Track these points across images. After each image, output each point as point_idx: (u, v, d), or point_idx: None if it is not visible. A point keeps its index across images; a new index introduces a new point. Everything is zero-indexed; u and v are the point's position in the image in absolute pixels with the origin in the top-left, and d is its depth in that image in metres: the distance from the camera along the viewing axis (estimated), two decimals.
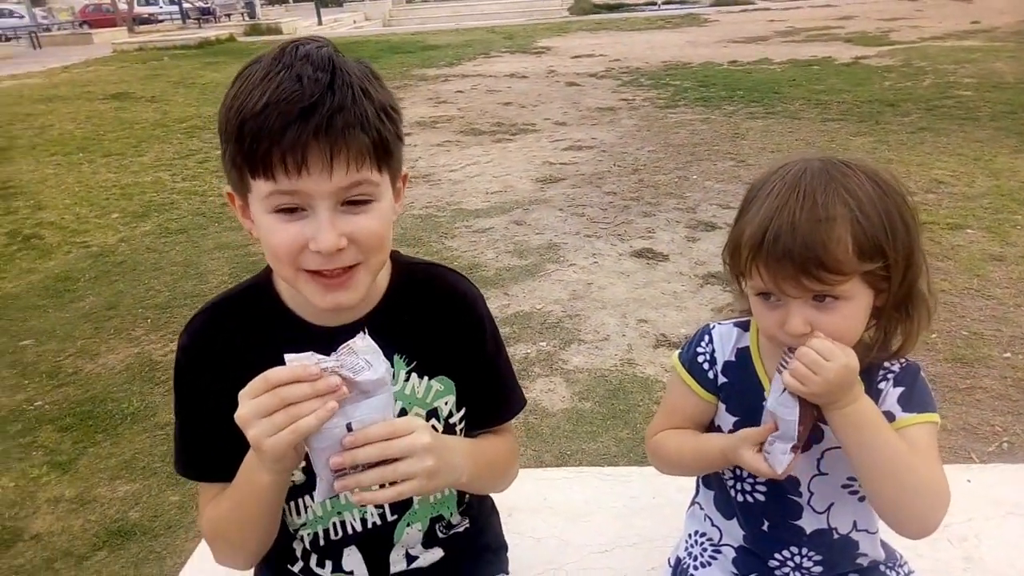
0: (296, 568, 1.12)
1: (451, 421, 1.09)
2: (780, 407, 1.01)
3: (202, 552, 1.56)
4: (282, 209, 0.86)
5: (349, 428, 0.83)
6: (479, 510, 1.26)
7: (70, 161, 6.91)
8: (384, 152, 0.88)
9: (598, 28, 15.99)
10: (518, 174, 6.03)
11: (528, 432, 2.82)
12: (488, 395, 1.11)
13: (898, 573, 1.20)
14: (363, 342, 0.83)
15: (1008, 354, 3.11)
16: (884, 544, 1.21)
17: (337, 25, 19.65)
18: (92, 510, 2.54)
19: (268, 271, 1.03)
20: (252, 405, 0.81)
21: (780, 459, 1.02)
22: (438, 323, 1.05)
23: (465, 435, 1.11)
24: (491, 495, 1.33)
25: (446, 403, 1.08)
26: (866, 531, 1.16)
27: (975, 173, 5.27)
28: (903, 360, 1.10)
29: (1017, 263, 3.91)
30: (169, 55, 13.14)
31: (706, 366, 1.16)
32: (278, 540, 1.09)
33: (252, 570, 1.23)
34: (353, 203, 0.87)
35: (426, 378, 1.05)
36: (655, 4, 18.99)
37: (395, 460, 0.84)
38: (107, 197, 5.91)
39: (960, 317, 3.43)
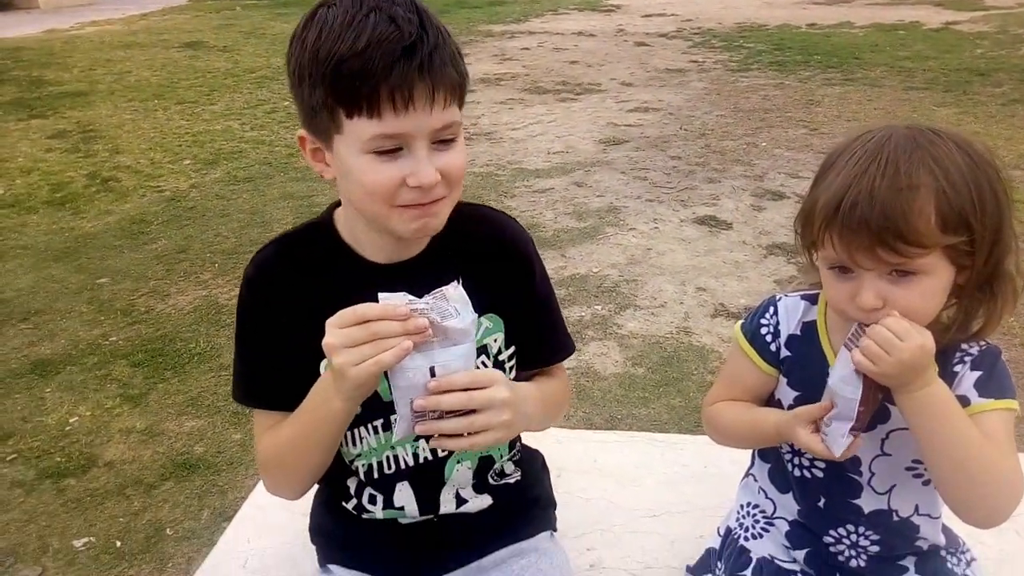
0: (350, 505, 1.16)
1: (500, 359, 1.11)
2: (843, 385, 0.97)
3: (261, 489, 1.62)
4: (381, 151, 0.90)
5: (432, 372, 0.87)
6: (530, 464, 1.28)
7: (146, 107, 7.12)
8: (464, 89, 0.95)
9: None
10: (581, 135, 5.94)
11: (579, 394, 2.83)
12: (537, 335, 1.14)
13: (959, 559, 1.17)
14: (455, 291, 0.87)
15: None
16: (946, 529, 1.17)
17: None
18: (160, 443, 2.68)
19: (328, 212, 1.09)
20: (341, 335, 0.85)
21: (839, 441, 0.98)
22: (488, 261, 1.09)
23: (515, 375, 1.13)
24: (542, 453, 1.35)
25: (495, 340, 1.10)
26: (928, 515, 1.12)
27: None
28: (982, 343, 1.05)
29: None
30: (241, 5, 13.31)
31: (769, 338, 1.14)
32: (333, 476, 1.14)
33: (309, 505, 1.28)
34: (442, 142, 0.93)
35: (475, 314, 1.08)
36: None
37: (474, 411, 0.88)
38: (180, 144, 6.08)
39: None
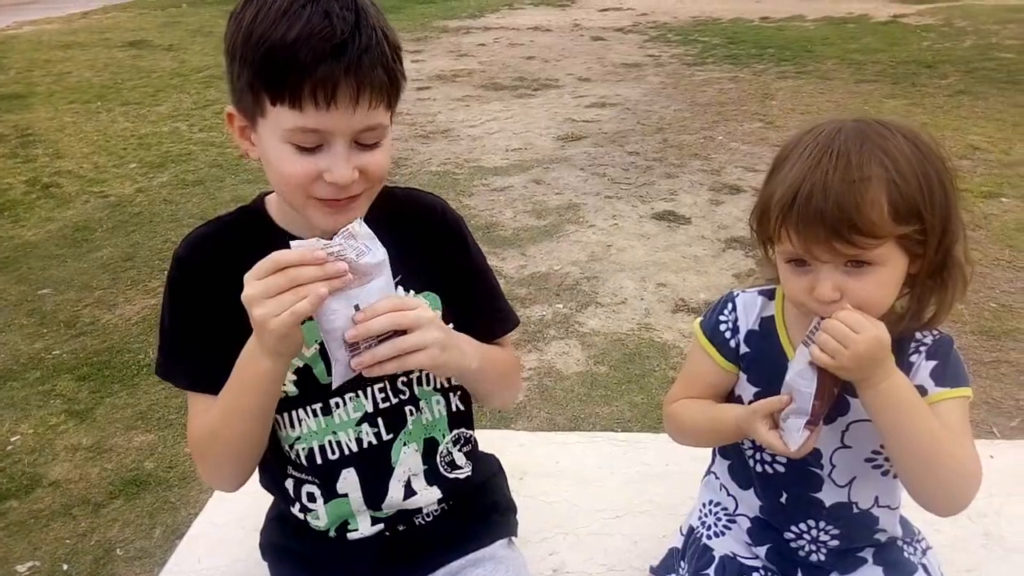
0: (295, 509, 1.13)
1: None
2: (799, 379, 0.97)
3: (215, 504, 1.57)
4: (301, 144, 0.91)
5: (357, 310, 0.88)
6: (485, 465, 1.26)
7: (88, 109, 6.87)
8: (396, 91, 0.94)
9: None
10: (539, 131, 5.92)
11: (542, 395, 2.80)
12: (476, 309, 1.14)
13: (915, 549, 1.18)
14: (361, 227, 0.89)
15: None
16: (903, 520, 1.18)
17: None
18: (109, 459, 2.58)
19: (260, 197, 1.09)
20: (260, 285, 0.85)
21: (794, 436, 0.98)
22: (419, 237, 1.10)
23: None
24: (497, 457, 1.32)
25: None
26: (888, 507, 1.13)
27: (1013, 140, 5.08)
28: (935, 332, 1.06)
29: None
30: (188, 2, 12.99)
31: (728, 335, 1.13)
32: (272, 480, 1.12)
33: (262, 521, 1.24)
34: (364, 143, 0.94)
35: (412, 292, 1.08)
36: None
37: (405, 334, 0.89)
38: (125, 147, 5.89)
39: (989, 288, 3.33)
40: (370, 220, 0.96)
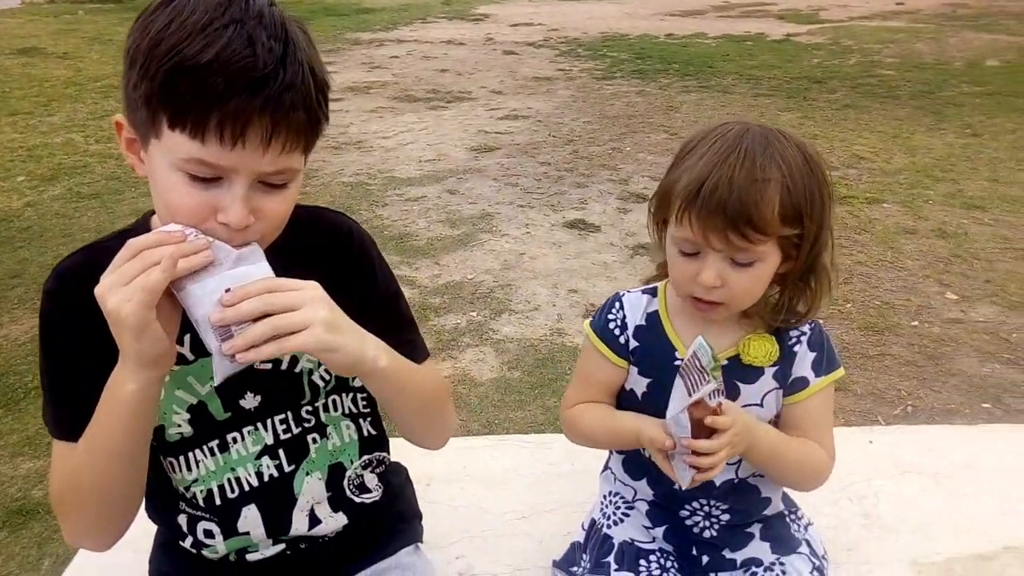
0: (187, 543, 1.07)
1: None
2: (675, 426, 1.02)
3: None
4: (196, 176, 0.80)
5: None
6: (395, 478, 1.24)
7: None
8: (315, 135, 0.85)
9: None
10: (452, 142, 5.94)
11: (456, 402, 2.81)
12: (385, 336, 1.02)
13: (799, 525, 1.27)
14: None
15: (916, 322, 3.26)
16: (785, 496, 1.27)
17: None
18: None
19: (144, 217, 0.98)
20: (113, 276, 0.77)
21: (682, 473, 1.04)
22: (325, 263, 1.00)
23: None
24: (405, 466, 1.31)
25: None
26: (766, 477, 1.21)
27: (893, 150, 5.47)
28: (811, 321, 1.15)
29: (927, 236, 4.09)
30: (84, 9, 12.34)
31: (617, 332, 1.18)
32: (161, 515, 1.04)
33: (149, 557, 1.18)
34: (271, 184, 0.84)
35: None
36: None
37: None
38: (12, 159, 5.53)
39: (874, 287, 3.57)
40: (271, 246, 0.90)
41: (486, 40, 10.52)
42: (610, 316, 1.19)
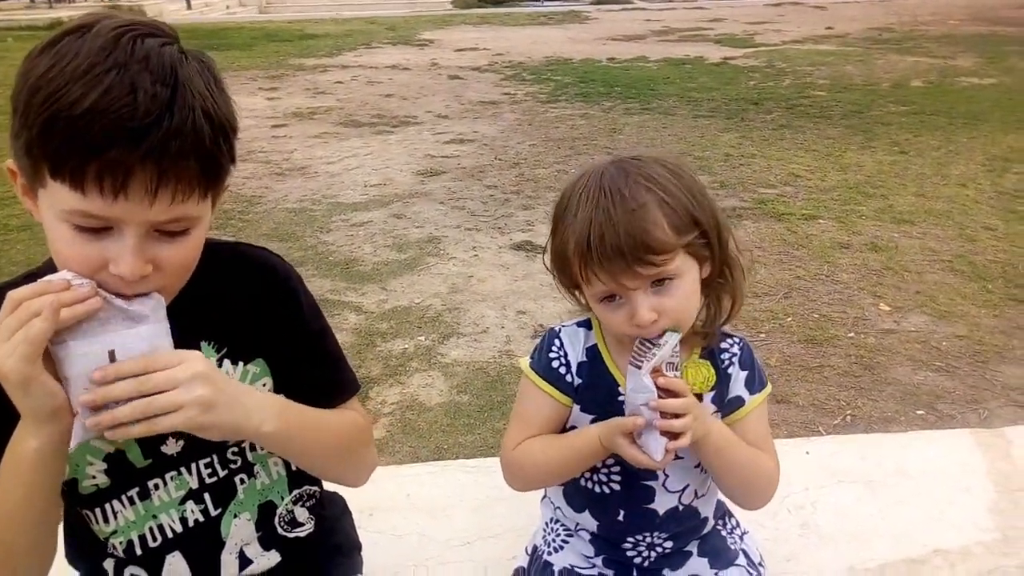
0: None
1: None
2: (637, 395, 1.02)
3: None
4: (83, 227, 0.77)
5: (113, 357, 0.75)
6: (329, 509, 1.21)
7: None
8: (215, 179, 0.82)
9: (481, 22, 15.99)
10: (398, 167, 5.93)
11: (404, 428, 2.77)
12: (309, 376, 1.02)
13: (734, 535, 1.29)
14: None
15: (852, 334, 3.36)
16: (718, 505, 1.28)
17: (208, 10, 18.46)
18: None
19: (50, 259, 0.93)
20: None
21: (653, 447, 1.02)
22: (247, 302, 0.97)
23: None
24: (342, 496, 1.28)
25: (264, 385, 1.01)
26: (704, 497, 1.23)
27: (827, 168, 5.67)
28: (737, 339, 1.17)
29: (861, 250, 4.24)
30: (13, 36, 11.99)
31: (563, 370, 1.16)
32: (86, 559, 1.00)
33: None
34: (169, 232, 0.81)
35: (241, 364, 0.98)
36: (538, 0, 19.26)
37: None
38: None
39: (812, 301, 3.68)
40: (191, 283, 0.87)
41: (431, 65, 10.58)
42: (551, 354, 1.17)
